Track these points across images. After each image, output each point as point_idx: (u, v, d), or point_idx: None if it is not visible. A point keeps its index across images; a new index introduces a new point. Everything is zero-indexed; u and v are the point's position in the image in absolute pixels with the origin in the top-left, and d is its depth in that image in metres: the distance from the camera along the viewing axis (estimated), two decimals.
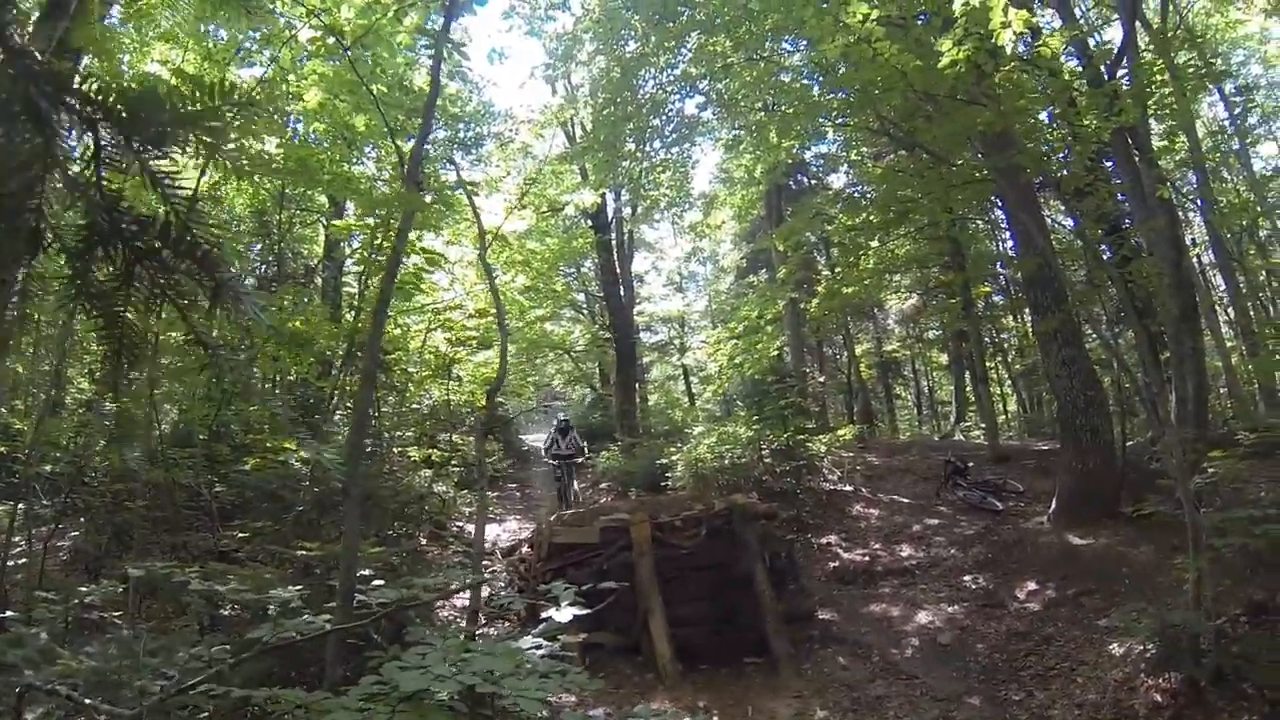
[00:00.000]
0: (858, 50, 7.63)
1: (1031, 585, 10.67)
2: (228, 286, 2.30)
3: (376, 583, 4.45)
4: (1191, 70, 23.25)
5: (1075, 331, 12.82)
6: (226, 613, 7.05)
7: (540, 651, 3.69)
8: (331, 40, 8.61)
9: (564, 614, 3.95)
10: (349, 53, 8.57)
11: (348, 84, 9.50)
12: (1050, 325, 12.55)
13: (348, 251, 17.11)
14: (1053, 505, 12.90)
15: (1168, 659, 7.20)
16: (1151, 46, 19.64)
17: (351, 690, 2.99)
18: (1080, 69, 14.35)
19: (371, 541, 8.72)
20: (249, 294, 2.45)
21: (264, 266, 17.41)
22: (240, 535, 8.37)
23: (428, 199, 11.15)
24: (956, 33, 6.61)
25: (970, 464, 16.20)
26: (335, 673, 4.80)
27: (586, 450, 18.76)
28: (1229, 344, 22.37)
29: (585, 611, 4.08)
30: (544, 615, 4.05)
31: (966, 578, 11.58)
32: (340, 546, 5.60)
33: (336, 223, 14.42)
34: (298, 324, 10.82)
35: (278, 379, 14.20)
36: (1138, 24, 19.80)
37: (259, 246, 17.41)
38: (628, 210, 27.23)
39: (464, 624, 8.68)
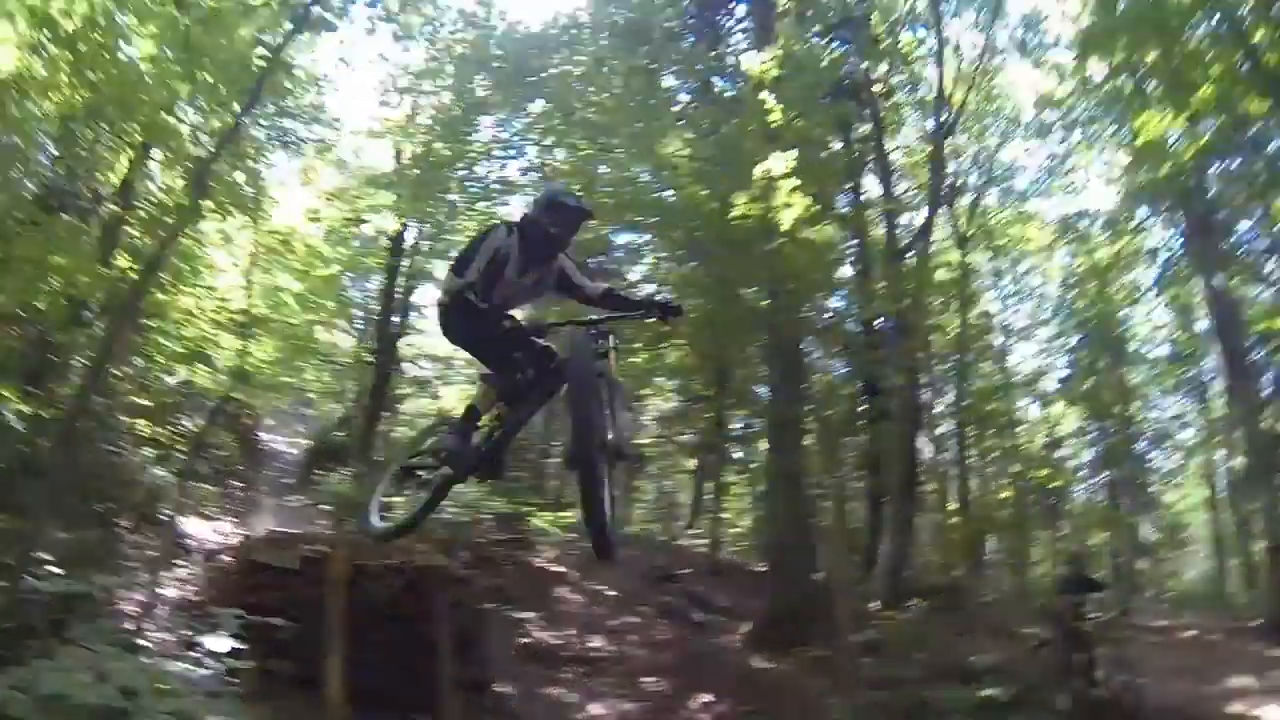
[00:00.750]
0: (668, 179, 8.22)
1: (707, 697, 11.34)
2: None
3: (54, 570, 4.37)
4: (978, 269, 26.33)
5: (799, 476, 13.86)
6: None
7: (202, 672, 3.77)
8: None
9: (220, 644, 4.06)
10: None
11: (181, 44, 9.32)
12: (778, 468, 13.52)
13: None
14: (749, 627, 13.79)
15: None
16: (952, 240, 22.02)
17: None
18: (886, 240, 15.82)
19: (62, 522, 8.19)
20: None
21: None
22: None
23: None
24: (753, 192, 7.27)
25: (681, 570, 16.94)
26: None
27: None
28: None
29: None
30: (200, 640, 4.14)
31: (650, 679, 12.12)
32: (26, 522, 5.32)
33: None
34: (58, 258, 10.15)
35: None
36: (945, 219, 22.18)
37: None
38: (426, 243, 27.12)
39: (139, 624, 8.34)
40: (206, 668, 3.81)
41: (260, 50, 10.74)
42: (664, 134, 9.24)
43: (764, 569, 19.27)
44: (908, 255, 15.05)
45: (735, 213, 7.36)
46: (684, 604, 15.32)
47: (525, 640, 12.85)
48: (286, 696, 8.84)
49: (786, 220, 6.41)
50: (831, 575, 11.51)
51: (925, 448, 22.91)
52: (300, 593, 9.18)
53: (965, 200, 21.17)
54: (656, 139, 8.67)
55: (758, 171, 6.52)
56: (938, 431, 23.09)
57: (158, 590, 6.55)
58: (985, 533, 21.13)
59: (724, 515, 27.73)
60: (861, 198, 18.16)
